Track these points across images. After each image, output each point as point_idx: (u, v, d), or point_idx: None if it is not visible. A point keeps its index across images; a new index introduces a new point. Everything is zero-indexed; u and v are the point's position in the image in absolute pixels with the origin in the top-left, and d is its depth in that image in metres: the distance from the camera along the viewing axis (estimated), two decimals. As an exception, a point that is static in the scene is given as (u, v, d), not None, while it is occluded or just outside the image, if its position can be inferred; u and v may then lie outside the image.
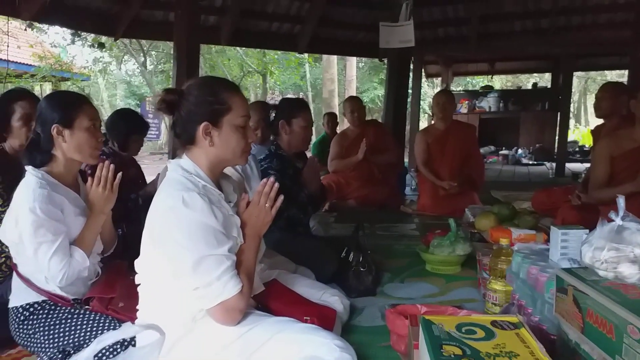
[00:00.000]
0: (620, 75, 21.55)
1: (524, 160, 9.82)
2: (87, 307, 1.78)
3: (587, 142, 13.51)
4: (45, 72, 10.79)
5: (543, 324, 1.59)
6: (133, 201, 2.62)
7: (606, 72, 19.15)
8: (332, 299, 1.94)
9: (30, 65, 10.58)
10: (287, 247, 2.31)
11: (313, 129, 3.12)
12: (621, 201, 1.29)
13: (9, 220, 1.70)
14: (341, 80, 15.22)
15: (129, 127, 2.87)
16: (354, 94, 14.41)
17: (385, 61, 6.82)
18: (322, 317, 1.73)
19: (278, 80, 16.35)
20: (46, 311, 1.73)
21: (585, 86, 23.35)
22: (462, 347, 1.18)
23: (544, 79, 15.11)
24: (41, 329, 1.70)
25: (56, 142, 1.78)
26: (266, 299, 1.75)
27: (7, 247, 2.10)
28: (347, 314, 2.02)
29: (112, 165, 1.85)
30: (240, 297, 1.42)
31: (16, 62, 10.29)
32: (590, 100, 20.85)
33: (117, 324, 1.70)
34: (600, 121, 3.71)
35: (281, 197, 1.56)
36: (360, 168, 4.52)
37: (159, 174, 3.28)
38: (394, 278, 2.59)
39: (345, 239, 2.58)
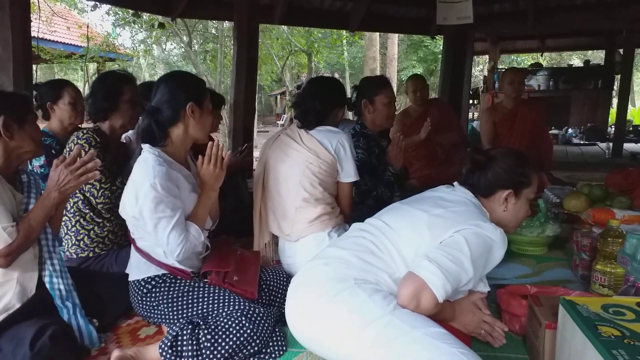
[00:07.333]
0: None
1: (575, 140, 9.52)
2: (205, 280, 1.84)
3: (638, 120, 13.02)
4: (94, 53, 10.99)
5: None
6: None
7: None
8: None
9: (79, 46, 10.77)
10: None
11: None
12: None
13: (129, 196, 1.75)
14: (380, 59, 15.01)
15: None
16: (395, 73, 14.19)
17: (428, 38, 6.61)
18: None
19: (321, 60, 16.24)
20: (167, 284, 1.79)
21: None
22: (618, 329, 1.17)
23: (594, 57, 14.51)
24: (164, 301, 1.77)
25: (185, 120, 1.82)
26: None
27: (112, 221, 2.19)
28: None
29: (221, 144, 1.89)
30: None
31: (65, 43, 10.51)
32: (638, 78, 19.95)
33: (235, 297, 1.75)
34: None
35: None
36: (422, 148, 4.41)
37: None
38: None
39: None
